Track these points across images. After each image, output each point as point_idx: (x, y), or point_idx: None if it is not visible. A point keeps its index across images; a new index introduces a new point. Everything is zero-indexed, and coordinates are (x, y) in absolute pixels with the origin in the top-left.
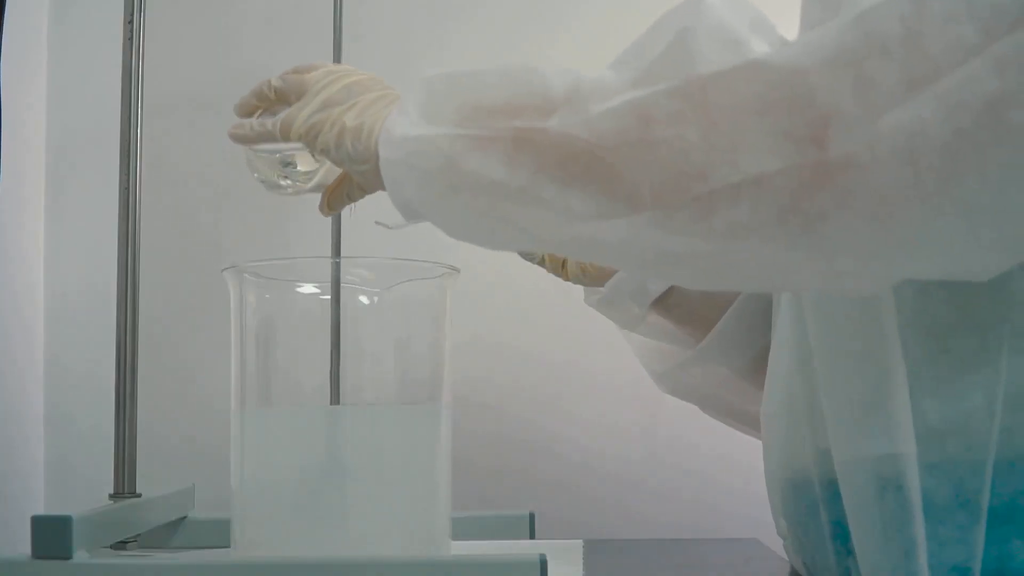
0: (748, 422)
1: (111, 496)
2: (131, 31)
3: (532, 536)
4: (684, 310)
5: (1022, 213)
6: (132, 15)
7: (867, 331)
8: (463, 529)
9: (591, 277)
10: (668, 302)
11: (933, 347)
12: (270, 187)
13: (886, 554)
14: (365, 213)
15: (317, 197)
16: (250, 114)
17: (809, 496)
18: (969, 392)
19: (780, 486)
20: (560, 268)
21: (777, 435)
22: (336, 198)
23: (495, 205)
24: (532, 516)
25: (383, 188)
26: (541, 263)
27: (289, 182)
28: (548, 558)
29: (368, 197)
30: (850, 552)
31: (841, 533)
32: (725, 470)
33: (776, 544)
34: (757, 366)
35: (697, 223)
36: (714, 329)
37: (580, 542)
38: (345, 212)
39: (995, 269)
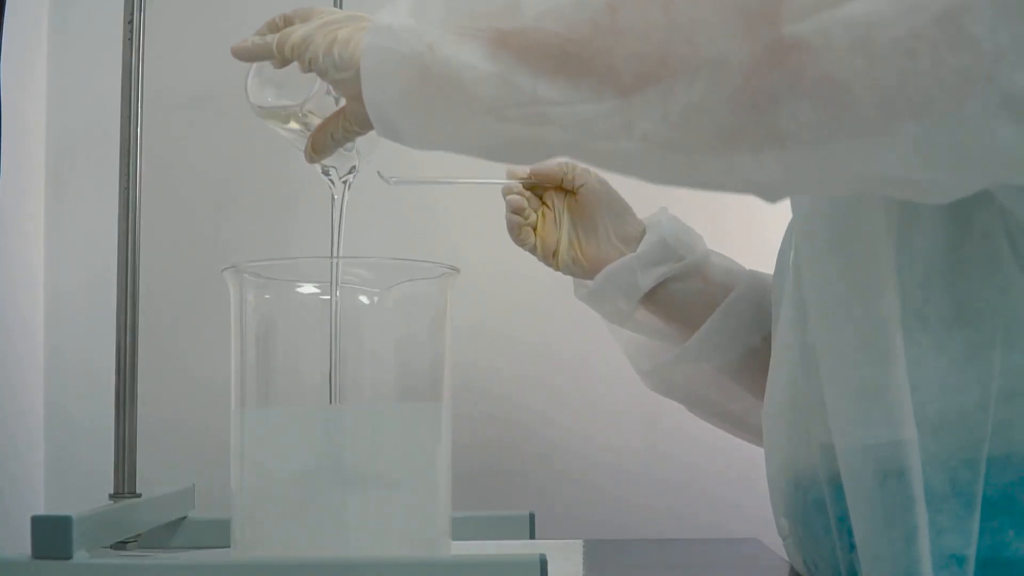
0: (733, 422)
1: (111, 496)
2: (131, 31)
3: (532, 536)
4: (673, 307)
5: (978, 127)
6: (132, 15)
7: (869, 322)
8: (463, 529)
9: (582, 268)
10: (657, 298)
11: (932, 340)
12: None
13: (887, 542)
14: (364, 213)
15: (318, 199)
16: None
17: (813, 494)
18: (965, 386)
19: (782, 486)
20: (552, 256)
21: (779, 435)
22: (320, 139)
23: (465, 90)
24: (532, 516)
25: (365, 111)
26: (533, 250)
27: (276, 120)
28: (548, 558)
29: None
30: (853, 547)
31: (845, 529)
32: (726, 470)
33: (776, 544)
34: (744, 365)
35: (655, 106)
36: (703, 327)
37: (580, 542)
38: (345, 210)
39: (952, 190)
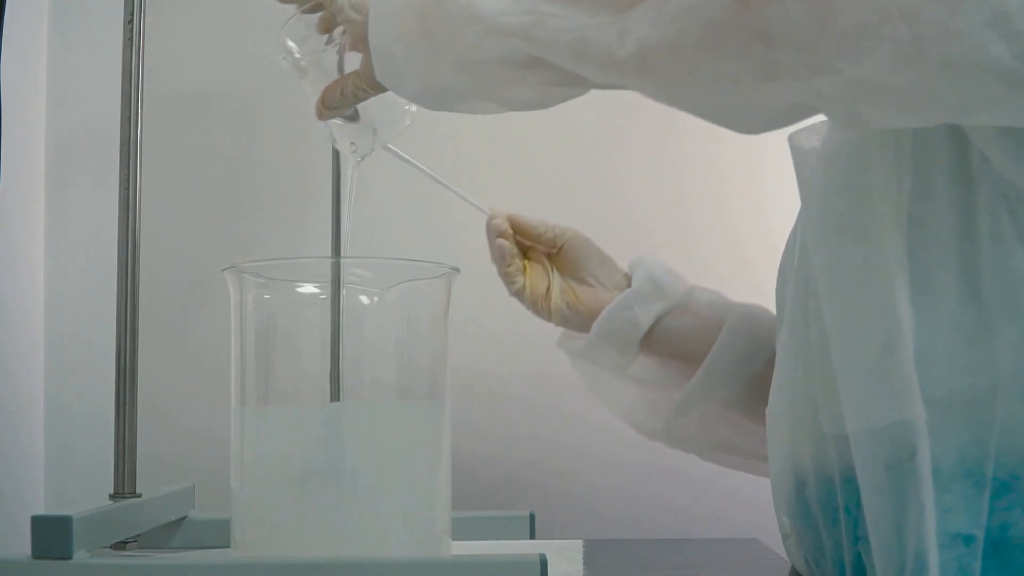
0: (748, 453)
1: (111, 496)
2: (131, 31)
3: (532, 536)
4: (672, 344)
5: (968, 41)
6: (132, 15)
7: (880, 302)
8: (463, 529)
9: (578, 314)
10: (654, 339)
11: (941, 320)
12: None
13: (897, 524)
14: (365, 213)
15: (318, 198)
16: None
17: (817, 490)
18: (975, 366)
19: (785, 484)
20: (542, 300)
21: (783, 433)
22: (331, 94)
23: (467, 11)
24: (532, 516)
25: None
26: (520, 293)
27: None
28: (548, 558)
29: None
30: (858, 539)
31: (852, 520)
32: (726, 468)
33: (776, 544)
34: (751, 394)
35: (648, 14)
36: (703, 365)
37: (580, 542)
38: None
39: (941, 109)
